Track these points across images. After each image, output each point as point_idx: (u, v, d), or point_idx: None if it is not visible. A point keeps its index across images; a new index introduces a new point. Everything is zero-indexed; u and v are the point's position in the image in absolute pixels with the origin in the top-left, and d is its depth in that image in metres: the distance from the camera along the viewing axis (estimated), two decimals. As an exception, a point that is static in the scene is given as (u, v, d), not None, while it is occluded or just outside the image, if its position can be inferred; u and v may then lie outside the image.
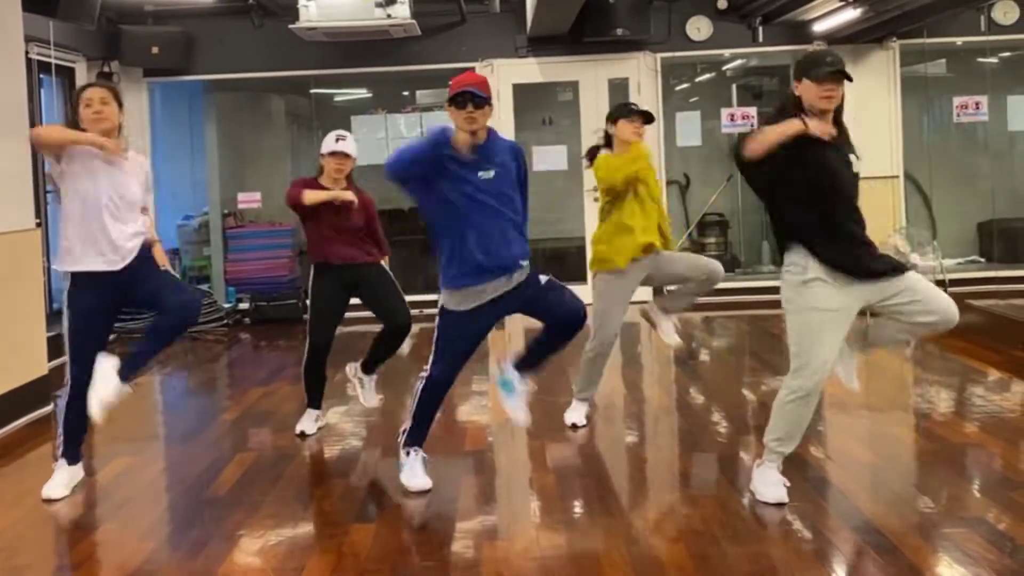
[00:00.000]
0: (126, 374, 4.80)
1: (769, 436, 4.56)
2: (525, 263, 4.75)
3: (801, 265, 4.37)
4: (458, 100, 4.56)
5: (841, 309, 4.36)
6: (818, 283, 4.34)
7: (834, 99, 4.29)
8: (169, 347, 5.18)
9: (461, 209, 4.64)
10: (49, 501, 4.95)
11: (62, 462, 5.08)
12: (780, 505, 4.49)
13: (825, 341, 4.35)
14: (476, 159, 4.63)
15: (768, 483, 4.58)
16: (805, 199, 4.33)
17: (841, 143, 4.34)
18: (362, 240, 5.94)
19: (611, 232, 5.83)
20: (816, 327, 4.35)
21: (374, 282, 5.95)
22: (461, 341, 4.81)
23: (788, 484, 4.57)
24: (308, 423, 6.11)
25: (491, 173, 4.66)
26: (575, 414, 6.05)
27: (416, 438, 4.95)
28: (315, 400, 6.12)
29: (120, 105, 4.94)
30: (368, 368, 6.22)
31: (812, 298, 4.35)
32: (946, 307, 4.38)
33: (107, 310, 4.94)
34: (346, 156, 5.86)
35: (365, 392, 6.24)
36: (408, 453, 4.95)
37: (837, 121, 4.36)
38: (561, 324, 4.86)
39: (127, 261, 4.86)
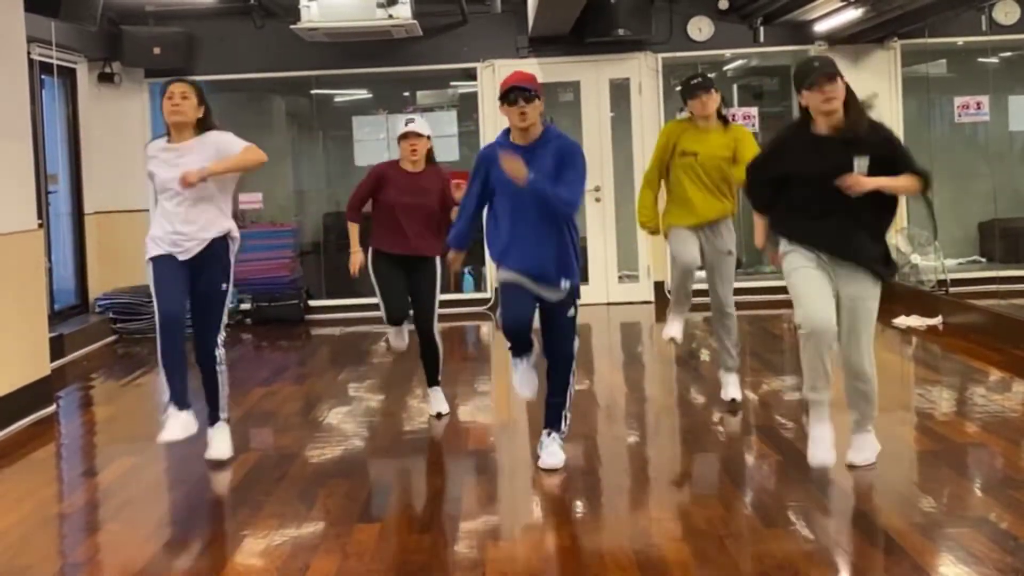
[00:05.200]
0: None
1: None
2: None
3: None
4: (509, 97, 4.97)
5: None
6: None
7: (834, 99, 4.51)
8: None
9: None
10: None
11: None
12: (823, 469, 4.69)
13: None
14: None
15: (813, 440, 4.71)
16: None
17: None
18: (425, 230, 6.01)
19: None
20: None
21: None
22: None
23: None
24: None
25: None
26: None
27: None
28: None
29: (201, 101, 5.42)
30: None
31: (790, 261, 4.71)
32: (846, 351, 4.70)
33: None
34: (418, 136, 6.00)
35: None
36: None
37: (850, 110, 4.56)
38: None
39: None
